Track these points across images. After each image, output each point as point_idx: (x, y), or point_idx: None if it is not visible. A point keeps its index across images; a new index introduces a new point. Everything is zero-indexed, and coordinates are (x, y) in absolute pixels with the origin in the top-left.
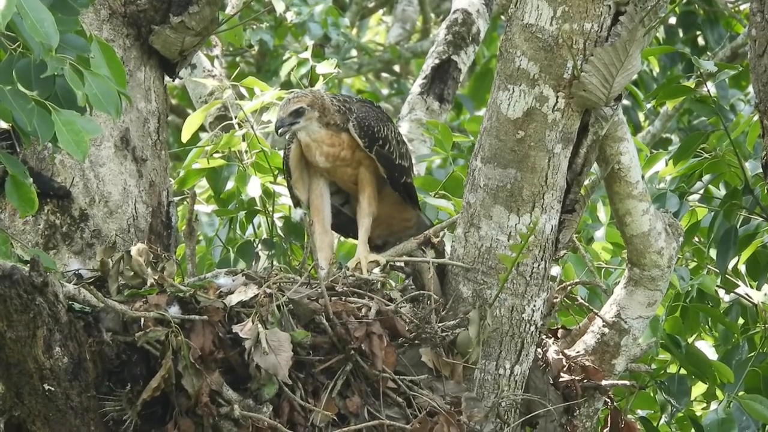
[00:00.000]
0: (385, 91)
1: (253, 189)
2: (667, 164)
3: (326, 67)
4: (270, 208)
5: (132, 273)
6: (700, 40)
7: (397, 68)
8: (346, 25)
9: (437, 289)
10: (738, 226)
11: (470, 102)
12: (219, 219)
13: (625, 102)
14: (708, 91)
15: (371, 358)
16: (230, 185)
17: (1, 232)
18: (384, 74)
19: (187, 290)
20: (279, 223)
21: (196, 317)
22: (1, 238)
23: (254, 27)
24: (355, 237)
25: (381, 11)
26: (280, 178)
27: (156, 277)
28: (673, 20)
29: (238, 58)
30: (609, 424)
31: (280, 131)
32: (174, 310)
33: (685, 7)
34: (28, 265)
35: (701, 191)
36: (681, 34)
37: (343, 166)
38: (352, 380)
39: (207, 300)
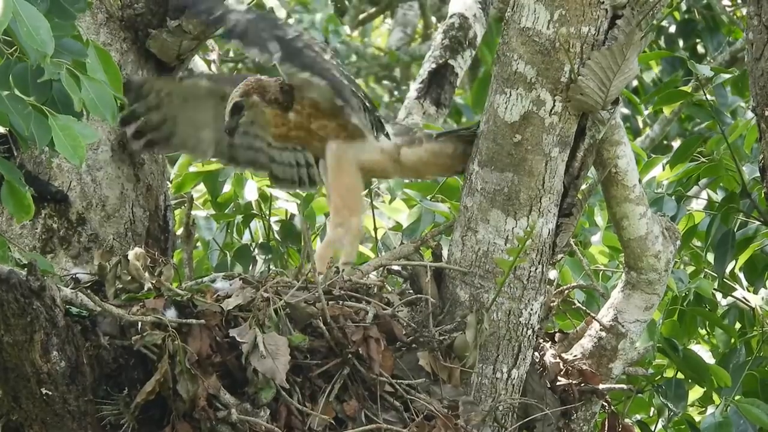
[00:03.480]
0: (386, 98)
1: (250, 193)
2: (664, 168)
3: None
4: (267, 212)
5: (129, 277)
6: (700, 48)
7: (397, 71)
8: (346, 33)
9: (434, 293)
10: (735, 230)
11: (469, 110)
12: (216, 223)
13: (624, 111)
14: (705, 95)
15: (368, 362)
16: (227, 189)
17: None
18: (385, 81)
19: (184, 294)
20: (276, 227)
21: (194, 321)
22: None
23: None
24: None
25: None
26: None
27: (153, 281)
28: (673, 29)
29: (240, 65)
30: (606, 428)
31: (229, 133)
32: (171, 314)
33: (684, 14)
34: (25, 269)
35: (699, 195)
36: (681, 43)
37: (307, 142)
38: (349, 384)
39: (204, 304)
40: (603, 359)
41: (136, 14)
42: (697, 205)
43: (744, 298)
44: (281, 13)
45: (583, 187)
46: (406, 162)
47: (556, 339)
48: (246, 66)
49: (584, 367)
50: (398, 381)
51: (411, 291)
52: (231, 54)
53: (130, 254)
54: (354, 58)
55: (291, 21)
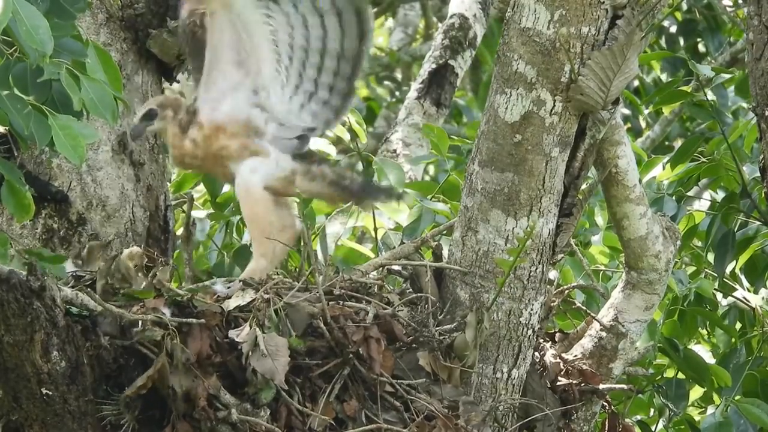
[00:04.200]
0: (387, 98)
1: None
2: (664, 168)
3: None
4: None
5: (120, 275)
6: (701, 47)
7: (398, 72)
8: None
9: (435, 292)
10: (735, 230)
11: (470, 110)
12: (211, 223)
13: (625, 111)
14: (705, 95)
15: (369, 362)
16: (226, 189)
17: (0, 233)
18: (386, 82)
19: (184, 294)
20: None
21: (194, 321)
22: (0, 240)
23: None
24: None
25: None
26: None
27: (148, 281)
28: (673, 29)
29: None
30: (606, 428)
31: (132, 137)
32: (171, 314)
33: (685, 14)
34: (26, 268)
35: (701, 196)
36: (682, 42)
37: (208, 170)
38: (349, 384)
39: (204, 304)
40: (603, 359)
41: (136, 14)
42: (699, 205)
43: (744, 298)
44: None
45: (584, 187)
46: (299, 187)
47: (557, 339)
48: None
49: (584, 367)
50: (398, 381)
51: (411, 291)
52: None
53: (125, 253)
54: None
55: None
